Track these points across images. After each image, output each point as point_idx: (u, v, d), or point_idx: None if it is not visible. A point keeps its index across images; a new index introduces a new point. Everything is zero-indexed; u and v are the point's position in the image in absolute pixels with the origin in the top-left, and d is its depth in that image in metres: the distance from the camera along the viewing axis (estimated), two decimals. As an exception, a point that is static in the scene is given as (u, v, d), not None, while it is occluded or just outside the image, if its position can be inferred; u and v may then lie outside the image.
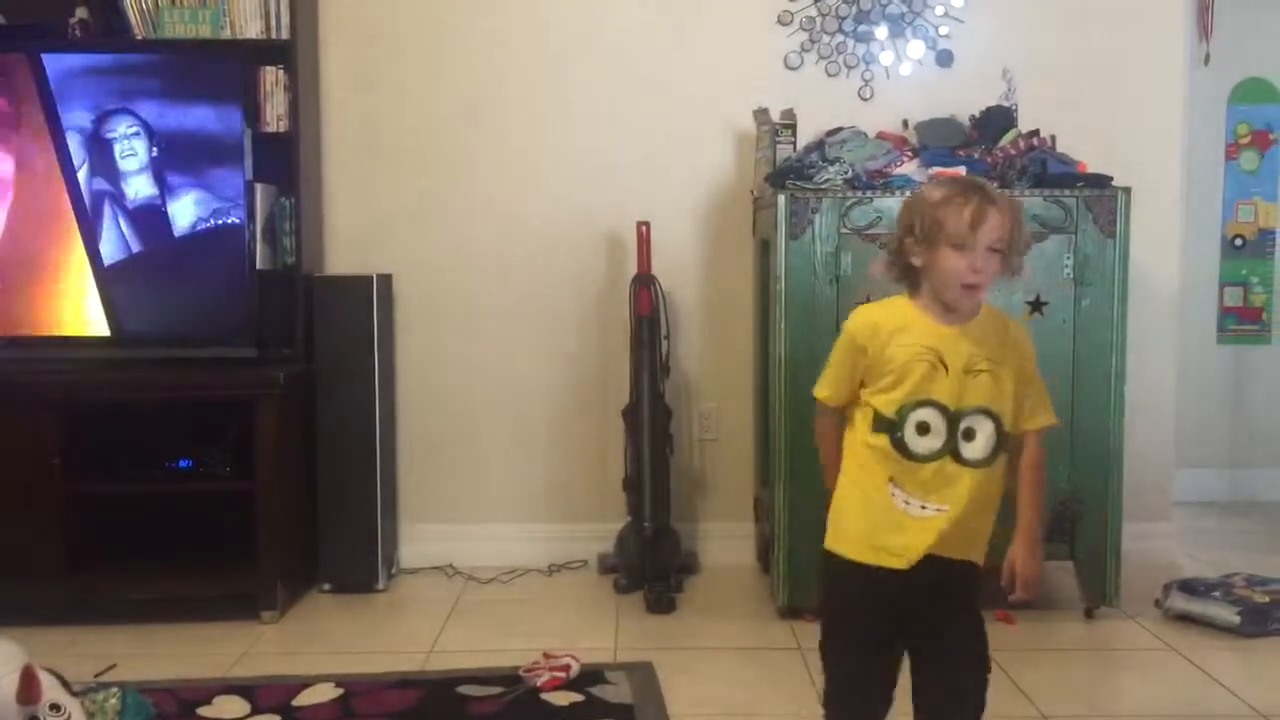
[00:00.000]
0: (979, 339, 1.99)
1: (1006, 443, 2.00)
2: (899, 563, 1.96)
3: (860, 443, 2.02)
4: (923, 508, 1.97)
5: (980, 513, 2.00)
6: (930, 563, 1.96)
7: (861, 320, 2.06)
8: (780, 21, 3.87)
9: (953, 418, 1.96)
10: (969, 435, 1.97)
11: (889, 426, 1.98)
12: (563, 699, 2.72)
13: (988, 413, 1.97)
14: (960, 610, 2.04)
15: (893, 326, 2.00)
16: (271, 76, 3.61)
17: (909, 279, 2.04)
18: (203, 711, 2.67)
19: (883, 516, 1.99)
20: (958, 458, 1.96)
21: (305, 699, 2.73)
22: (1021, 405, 2.02)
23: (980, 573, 2.05)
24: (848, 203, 3.22)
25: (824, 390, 2.09)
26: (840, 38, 3.88)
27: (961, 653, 2.05)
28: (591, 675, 2.85)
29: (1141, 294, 3.56)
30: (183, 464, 3.49)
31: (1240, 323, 4.93)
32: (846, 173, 3.31)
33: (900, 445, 1.97)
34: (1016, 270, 2.04)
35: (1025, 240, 2.05)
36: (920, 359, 1.97)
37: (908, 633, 2.03)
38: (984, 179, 2.01)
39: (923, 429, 1.97)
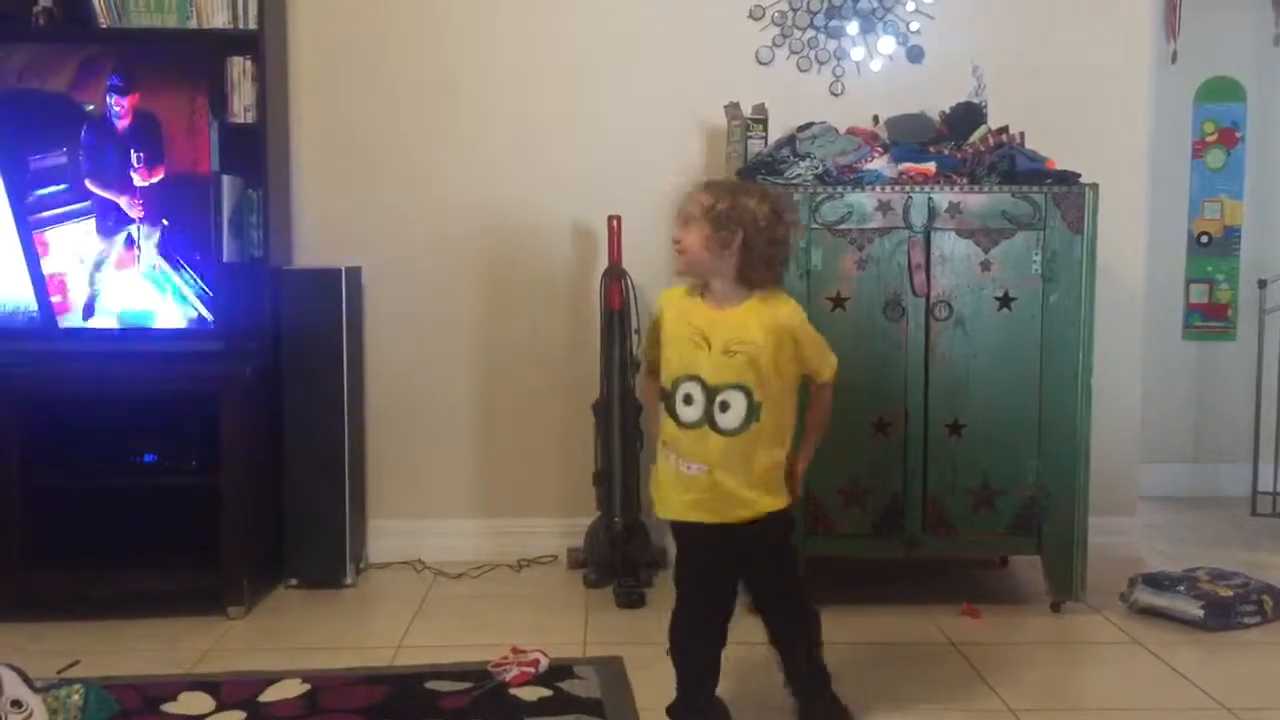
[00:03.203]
0: (740, 324, 2.33)
1: (759, 414, 2.32)
2: (673, 515, 2.41)
3: (662, 416, 2.41)
4: (689, 468, 2.35)
5: (738, 469, 2.34)
6: (708, 529, 2.37)
7: (662, 300, 2.48)
8: (752, 16, 3.87)
9: (710, 391, 2.32)
10: (724, 407, 2.32)
11: (666, 397, 2.37)
12: (531, 694, 2.71)
13: (741, 388, 2.32)
14: (761, 560, 2.44)
15: (677, 308, 2.41)
16: (239, 67, 3.57)
17: None
18: (167, 708, 2.65)
19: (663, 477, 2.41)
20: (714, 426, 2.32)
21: (271, 695, 2.71)
22: (809, 360, 2.40)
23: (771, 520, 2.40)
24: (818, 198, 3.23)
25: (646, 349, 2.55)
26: (811, 33, 3.88)
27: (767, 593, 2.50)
28: (560, 670, 2.85)
29: (1108, 290, 3.57)
30: (147, 458, 3.46)
31: (1206, 319, 4.98)
32: (817, 168, 3.31)
33: (672, 413, 2.36)
34: (724, 244, 2.32)
35: (730, 218, 2.31)
36: (688, 338, 2.35)
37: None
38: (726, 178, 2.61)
39: (688, 399, 2.34)
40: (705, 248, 2.32)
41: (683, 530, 2.43)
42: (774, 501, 2.40)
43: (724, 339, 2.32)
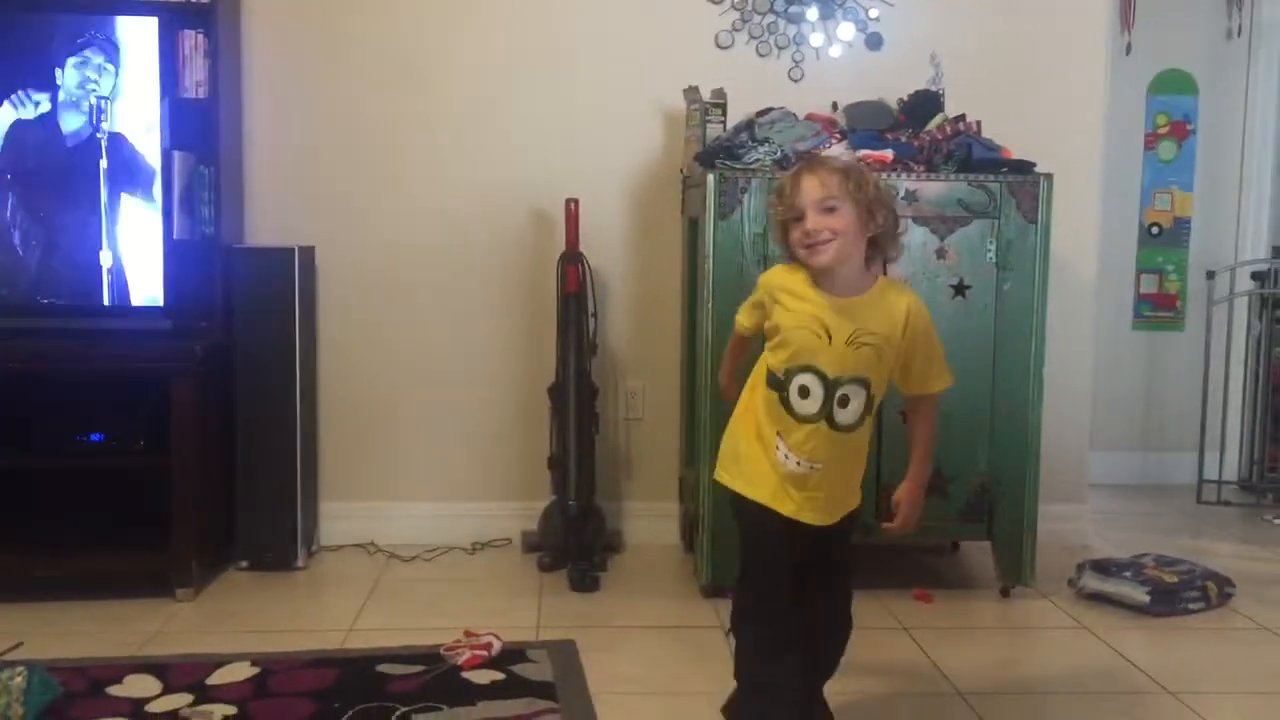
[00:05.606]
0: (866, 313, 2.15)
1: (873, 408, 2.20)
2: (782, 510, 2.18)
3: (761, 390, 2.22)
4: (798, 463, 2.17)
5: (849, 467, 2.24)
6: (813, 529, 2.21)
7: (769, 279, 2.26)
8: (712, 0, 3.86)
9: (830, 385, 2.15)
10: (844, 402, 2.16)
11: (778, 385, 2.18)
12: (483, 677, 2.70)
13: (862, 381, 2.16)
14: (838, 560, 2.31)
15: (790, 292, 2.19)
16: (191, 40, 3.50)
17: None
18: (113, 690, 2.61)
19: (762, 462, 2.20)
20: (831, 422, 2.16)
21: (220, 678, 2.68)
22: (922, 371, 2.22)
23: (858, 513, 2.31)
24: (776, 183, 3.22)
25: (741, 318, 2.36)
26: (771, 18, 3.88)
27: (835, 593, 2.33)
28: (513, 654, 2.84)
29: (1061, 280, 3.62)
30: (94, 438, 3.40)
31: (1155, 309, 5.05)
32: (776, 153, 3.31)
33: (786, 403, 2.17)
34: (880, 227, 2.16)
35: (878, 196, 2.16)
36: (805, 327, 2.15)
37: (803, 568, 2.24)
38: (818, 153, 2.20)
39: (804, 392, 2.16)
40: (859, 234, 2.13)
41: (786, 526, 2.19)
42: (858, 499, 2.30)
43: (848, 330, 2.13)
